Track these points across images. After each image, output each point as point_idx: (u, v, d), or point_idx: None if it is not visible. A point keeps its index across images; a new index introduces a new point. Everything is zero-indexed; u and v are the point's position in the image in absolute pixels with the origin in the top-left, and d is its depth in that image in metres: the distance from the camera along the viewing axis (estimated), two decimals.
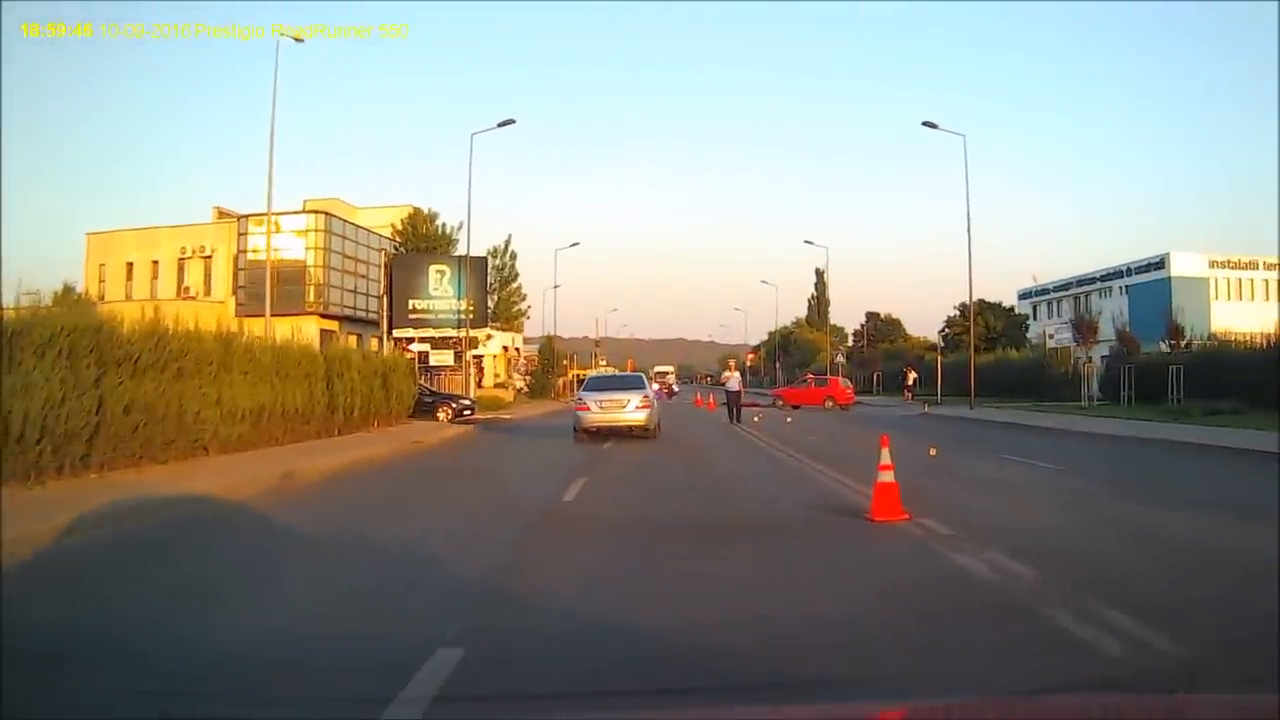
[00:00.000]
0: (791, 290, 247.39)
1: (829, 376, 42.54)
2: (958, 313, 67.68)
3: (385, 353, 30.16)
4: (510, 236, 42.34)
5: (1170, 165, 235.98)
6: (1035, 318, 73.13)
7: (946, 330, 67.09)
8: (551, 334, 62.24)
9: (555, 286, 54.75)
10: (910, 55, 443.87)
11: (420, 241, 37.30)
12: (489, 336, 38.58)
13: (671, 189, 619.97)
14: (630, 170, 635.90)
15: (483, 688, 4.06)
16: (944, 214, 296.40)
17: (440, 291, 35.54)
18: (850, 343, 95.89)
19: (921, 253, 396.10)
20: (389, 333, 35.24)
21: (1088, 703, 2.72)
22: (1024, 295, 76.64)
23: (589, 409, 19.89)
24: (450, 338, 35.63)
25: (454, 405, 29.48)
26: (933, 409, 34.16)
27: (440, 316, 35.53)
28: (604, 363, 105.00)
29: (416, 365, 34.35)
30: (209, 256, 46.95)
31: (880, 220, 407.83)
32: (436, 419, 28.85)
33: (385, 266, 36.31)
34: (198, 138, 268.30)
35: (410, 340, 35.03)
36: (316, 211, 43.48)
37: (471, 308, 35.27)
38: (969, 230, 36.05)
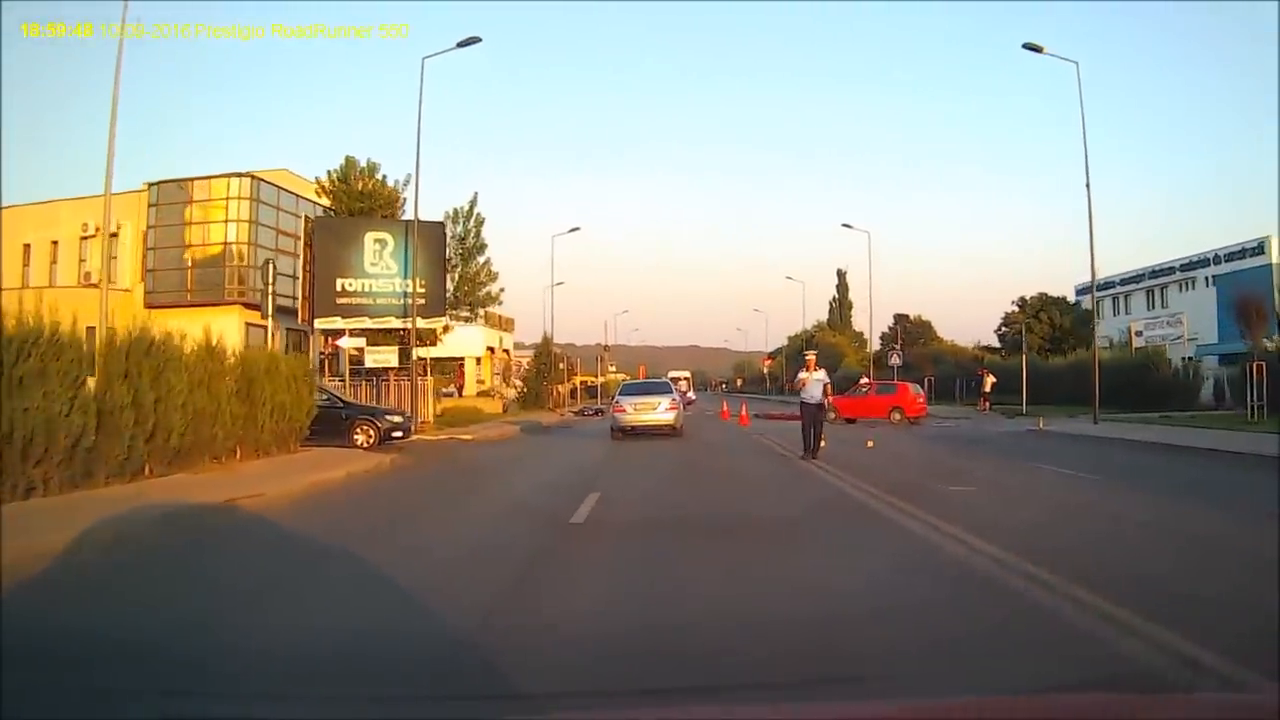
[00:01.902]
0: (806, 296, 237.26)
1: (896, 382, 33.21)
2: (1016, 308, 58.53)
3: (281, 348, 21.27)
4: (476, 196, 32.23)
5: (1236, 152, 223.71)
6: (1100, 315, 63.52)
7: (1004, 328, 57.99)
8: (549, 334, 53.10)
9: (558, 283, 45.90)
10: (926, 52, 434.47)
11: (355, 202, 28.35)
12: (447, 329, 29.46)
13: (682, 193, 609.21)
14: (640, 172, 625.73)
15: None
16: (971, 214, 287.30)
17: (380, 267, 26.56)
18: (878, 346, 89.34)
19: (950, 254, 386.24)
20: (310, 322, 26.39)
21: (1088, 703, 2.46)
22: (1083, 290, 66.97)
23: (625, 411, 22.43)
24: (395, 330, 26.73)
25: (378, 423, 20.52)
26: (1046, 425, 25.01)
27: (380, 302, 26.55)
28: (613, 369, 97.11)
29: (347, 365, 25.51)
30: (115, 234, 38.20)
31: (903, 222, 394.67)
32: (353, 442, 19.98)
33: (305, 234, 27.38)
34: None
35: (339, 333, 26.14)
36: (240, 175, 34.72)
37: (423, 289, 26.32)
38: (1088, 184, 26.99)
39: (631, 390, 25.13)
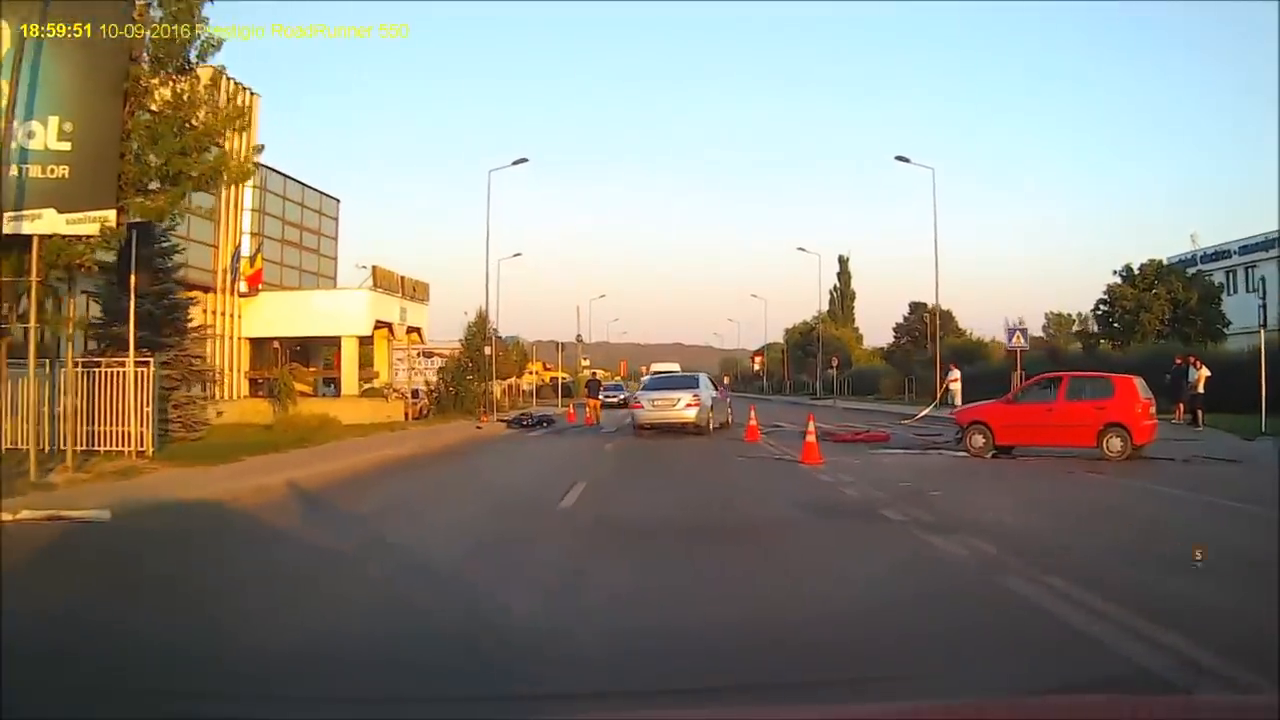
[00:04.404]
0: (797, 289, 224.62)
1: (1111, 376, 16.68)
2: (1120, 279, 43.24)
3: None
4: None
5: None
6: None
7: (1105, 306, 42.88)
8: (484, 310, 37.49)
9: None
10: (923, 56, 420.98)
11: None
12: (106, 228, 12.41)
13: (670, 187, 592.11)
14: (632, 165, 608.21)
15: None
16: (969, 214, 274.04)
17: None
18: (892, 339, 77.44)
19: (947, 250, 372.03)
20: None
21: (1088, 703, 2.49)
22: (1180, 263, 52.53)
23: (643, 407, 22.31)
24: (16, 240, 11.16)
25: None
26: None
27: None
28: (586, 362, 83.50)
29: None
30: None
31: (898, 218, 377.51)
32: None
33: None
34: None
35: None
36: None
37: (67, 144, 10.98)
38: None
39: (652, 386, 24.93)
